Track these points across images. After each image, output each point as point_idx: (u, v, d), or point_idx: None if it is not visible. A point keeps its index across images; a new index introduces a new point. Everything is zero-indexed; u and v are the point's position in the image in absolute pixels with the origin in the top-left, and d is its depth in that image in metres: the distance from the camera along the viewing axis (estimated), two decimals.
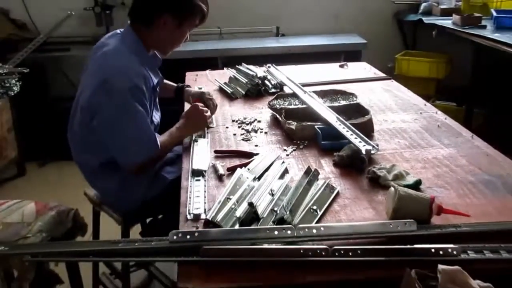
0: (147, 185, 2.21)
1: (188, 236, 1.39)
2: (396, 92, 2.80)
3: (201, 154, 2.01)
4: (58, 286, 2.11)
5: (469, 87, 4.24)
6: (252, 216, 1.52)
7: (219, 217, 1.51)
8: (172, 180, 2.20)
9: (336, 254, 1.33)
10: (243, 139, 2.19)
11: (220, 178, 1.82)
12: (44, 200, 2.10)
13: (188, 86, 2.69)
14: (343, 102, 2.44)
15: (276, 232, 1.40)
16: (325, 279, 1.29)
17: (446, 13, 4.61)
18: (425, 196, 1.51)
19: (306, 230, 1.41)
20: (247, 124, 2.35)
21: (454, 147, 2.03)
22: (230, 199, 1.61)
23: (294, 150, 2.05)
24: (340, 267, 1.32)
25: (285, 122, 2.20)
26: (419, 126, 2.27)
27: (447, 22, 4.40)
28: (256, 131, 2.27)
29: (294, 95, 2.54)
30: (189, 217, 1.56)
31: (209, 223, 1.52)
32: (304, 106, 2.37)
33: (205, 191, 1.71)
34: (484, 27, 4.11)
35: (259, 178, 1.77)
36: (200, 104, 2.32)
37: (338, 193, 1.68)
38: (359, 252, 1.34)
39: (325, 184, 1.69)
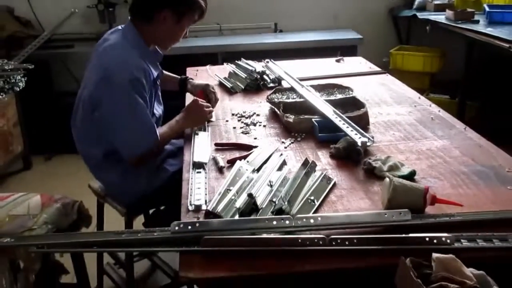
0: (149, 177, 2.24)
1: (189, 227, 1.41)
2: (391, 86, 2.83)
3: (202, 147, 2.03)
4: (63, 276, 2.13)
5: (462, 81, 4.26)
6: (251, 207, 1.53)
7: (219, 208, 1.53)
8: (174, 172, 2.22)
9: (333, 243, 1.35)
10: (242, 132, 2.22)
11: (220, 170, 1.85)
12: (50, 192, 2.12)
13: (191, 78, 2.70)
14: (339, 96, 2.46)
15: (274, 222, 1.42)
16: (323, 268, 1.31)
17: (440, 8, 4.66)
18: (419, 186, 1.53)
19: (304, 220, 1.42)
20: (246, 118, 2.38)
21: (448, 139, 2.05)
22: (230, 190, 1.63)
23: (292, 142, 2.08)
24: (337, 255, 1.33)
25: (283, 116, 2.22)
26: (413, 118, 2.29)
27: (440, 17, 4.43)
28: (255, 125, 2.30)
29: (292, 89, 2.56)
30: (190, 208, 1.58)
31: (209, 214, 1.53)
32: (301, 99, 2.39)
33: (205, 183, 1.73)
34: (477, 22, 4.14)
35: (258, 170, 1.79)
36: (201, 100, 2.36)
37: (334, 184, 1.70)
38: (355, 241, 1.35)
39: (322, 176, 1.71)
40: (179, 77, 2.70)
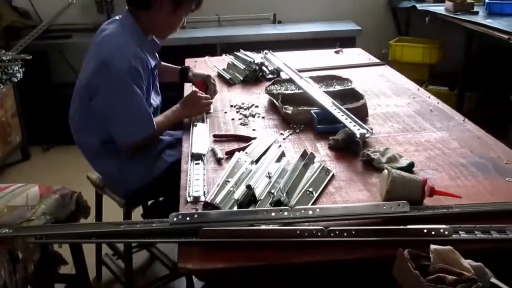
0: (147, 168, 2.24)
1: (188, 218, 1.42)
2: (390, 77, 2.83)
3: (200, 138, 2.03)
4: (62, 267, 2.14)
5: (461, 72, 4.26)
6: (250, 198, 1.54)
7: (218, 199, 1.53)
8: (172, 163, 2.22)
9: (332, 234, 1.35)
10: (241, 124, 2.22)
11: (218, 161, 1.85)
12: (48, 183, 2.12)
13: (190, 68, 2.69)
14: (338, 87, 2.46)
15: (273, 214, 1.42)
16: (321, 259, 1.32)
17: None
18: (417, 178, 1.53)
19: (302, 211, 1.43)
20: (245, 109, 2.38)
21: (446, 130, 2.05)
22: (229, 182, 1.63)
23: (290, 134, 2.08)
24: (335, 247, 1.34)
25: (282, 107, 2.22)
26: (412, 110, 2.30)
27: (439, 9, 4.42)
28: (253, 116, 2.30)
29: (290, 81, 2.56)
30: (189, 199, 1.58)
31: (208, 205, 1.54)
32: (300, 91, 2.39)
33: (204, 174, 1.74)
34: (476, 13, 4.13)
35: (257, 161, 1.79)
36: (200, 92, 2.36)
37: (333, 176, 1.70)
38: (353, 232, 1.35)
39: (321, 167, 1.71)
40: (179, 67, 2.70)
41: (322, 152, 1.90)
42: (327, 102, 2.17)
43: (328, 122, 2.06)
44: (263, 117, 2.28)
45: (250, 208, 1.51)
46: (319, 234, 1.35)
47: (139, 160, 2.22)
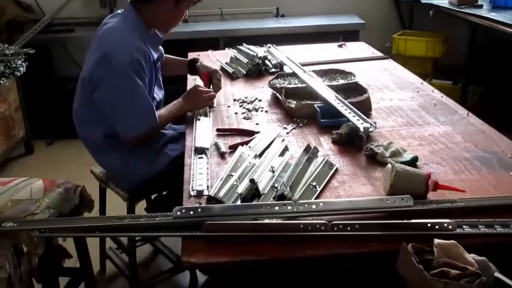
0: (150, 162, 2.25)
1: (191, 212, 1.42)
2: (393, 71, 2.82)
3: (204, 132, 2.04)
4: (66, 261, 2.14)
5: (465, 66, 4.25)
6: (253, 192, 1.54)
7: (221, 194, 1.53)
8: (176, 157, 2.23)
9: (335, 228, 1.35)
10: (244, 118, 2.22)
11: (222, 155, 1.85)
12: (52, 177, 2.12)
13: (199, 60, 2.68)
14: (341, 81, 2.46)
15: (276, 208, 1.42)
16: (324, 253, 1.31)
17: None
18: (421, 172, 1.53)
19: (306, 205, 1.43)
20: (248, 103, 2.38)
21: (450, 124, 2.05)
22: (232, 176, 1.63)
23: (294, 128, 2.08)
24: (339, 241, 1.34)
25: (285, 101, 2.22)
26: (415, 104, 2.29)
27: (443, 2, 4.40)
28: (257, 110, 2.30)
29: (294, 75, 2.56)
30: (192, 193, 1.58)
31: (211, 199, 1.54)
32: (303, 85, 2.39)
33: (207, 168, 1.74)
34: (480, 6, 4.11)
35: (260, 155, 1.79)
36: (202, 87, 2.36)
37: (336, 170, 1.70)
38: (357, 226, 1.35)
39: (324, 161, 1.71)
40: (187, 59, 2.69)
41: (325, 146, 1.90)
42: (331, 96, 2.17)
43: (331, 116, 2.06)
44: (266, 111, 2.28)
45: (254, 202, 1.51)
46: (323, 228, 1.35)
47: (142, 154, 2.23)
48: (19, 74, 3.56)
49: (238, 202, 1.51)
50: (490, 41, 4.49)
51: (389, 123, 2.09)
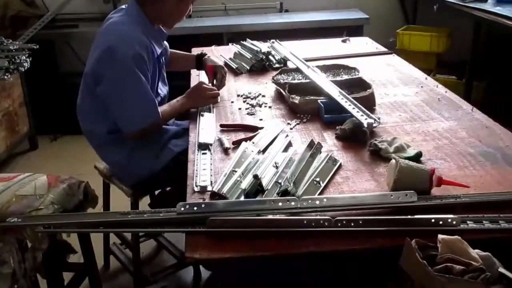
0: (154, 158, 2.25)
1: (195, 208, 1.42)
2: (397, 66, 2.81)
3: (207, 128, 2.04)
4: (71, 256, 2.15)
5: (469, 61, 4.23)
6: (257, 188, 1.54)
7: (225, 189, 1.53)
8: (179, 153, 2.23)
9: (339, 224, 1.35)
10: (248, 113, 2.21)
11: (225, 151, 1.85)
12: (56, 173, 2.13)
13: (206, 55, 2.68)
14: (345, 77, 2.45)
15: (280, 204, 1.42)
16: (328, 249, 1.31)
17: None
18: (425, 167, 1.52)
19: (310, 201, 1.43)
20: (252, 99, 2.37)
21: (454, 120, 2.04)
22: (236, 171, 1.63)
23: (297, 123, 2.07)
24: (343, 237, 1.34)
25: (289, 97, 2.22)
26: (419, 99, 2.28)
27: None
28: (260, 106, 2.29)
29: (297, 70, 2.56)
30: (196, 189, 1.58)
31: (215, 195, 1.54)
32: (307, 80, 2.39)
33: (211, 164, 1.74)
34: (485, 0, 4.08)
35: (264, 151, 1.79)
36: (206, 84, 2.36)
37: (340, 166, 1.70)
38: (361, 222, 1.35)
39: (328, 157, 1.71)
40: (195, 54, 2.69)
41: (329, 142, 1.90)
42: (334, 92, 2.17)
43: (335, 111, 2.06)
44: (270, 107, 2.28)
45: (257, 198, 1.51)
46: (326, 224, 1.35)
47: (146, 150, 2.23)
48: (23, 70, 3.56)
49: (242, 198, 1.51)
50: (495, 36, 4.47)
51: (393, 119, 2.08)
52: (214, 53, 3.13)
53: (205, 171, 1.68)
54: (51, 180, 2.04)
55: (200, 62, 2.64)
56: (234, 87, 2.56)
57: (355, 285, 1.46)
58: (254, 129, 2.02)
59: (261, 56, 2.82)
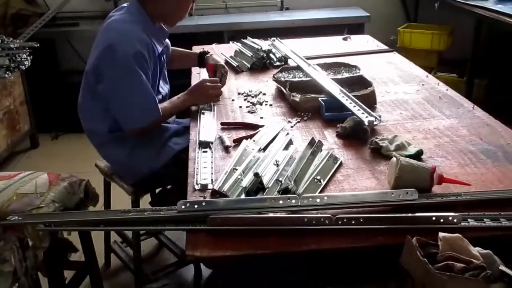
0: (155, 156, 2.25)
1: (195, 206, 1.42)
2: (398, 64, 2.81)
3: (208, 126, 2.04)
4: (72, 254, 2.15)
5: (470, 59, 4.23)
6: (257, 186, 1.54)
7: (225, 187, 1.54)
8: (180, 151, 2.23)
9: (339, 222, 1.35)
10: (248, 112, 2.21)
11: (226, 149, 1.85)
12: (57, 171, 2.13)
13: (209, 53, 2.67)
14: (346, 75, 2.45)
15: (281, 202, 1.42)
16: (329, 247, 1.31)
17: None
18: (426, 165, 1.52)
19: (310, 199, 1.43)
20: (253, 97, 2.37)
21: (455, 117, 2.04)
22: (236, 169, 1.63)
23: (298, 121, 2.07)
24: (343, 235, 1.34)
25: (290, 95, 2.22)
26: (420, 97, 2.28)
27: None
28: (261, 104, 2.29)
29: (298, 68, 2.56)
30: (196, 187, 1.58)
31: (216, 193, 1.54)
32: (308, 78, 2.38)
33: (212, 162, 1.74)
34: None
35: (264, 149, 1.79)
36: (209, 80, 2.36)
37: (341, 164, 1.70)
38: (361, 220, 1.35)
39: (329, 155, 1.71)
40: (198, 52, 2.69)
41: (330, 140, 1.90)
42: (335, 90, 2.17)
43: (336, 109, 2.06)
44: (270, 105, 2.28)
45: (258, 196, 1.51)
46: (327, 222, 1.36)
47: (146, 148, 2.24)
48: (24, 68, 3.56)
49: (243, 196, 1.51)
50: (496, 34, 4.47)
51: (394, 117, 2.08)
52: (215, 51, 3.12)
53: (206, 169, 1.68)
54: (52, 178, 2.04)
55: (203, 60, 2.64)
56: (235, 85, 2.56)
57: (355, 283, 1.46)
58: (254, 127, 2.02)
59: (261, 54, 2.81)
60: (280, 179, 1.57)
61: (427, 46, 4.62)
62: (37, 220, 1.68)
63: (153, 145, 2.26)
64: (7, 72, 3.41)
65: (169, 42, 2.53)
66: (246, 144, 1.81)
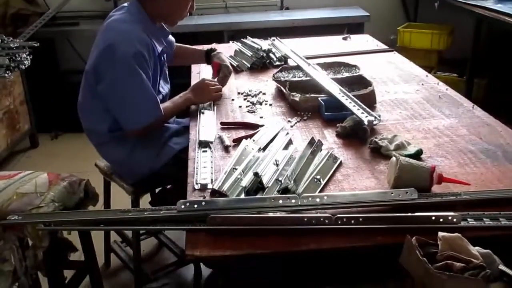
0: (155, 156, 2.25)
1: (195, 205, 1.42)
2: (398, 64, 2.81)
3: (208, 125, 2.04)
4: (72, 254, 2.15)
5: (470, 58, 4.23)
6: (257, 185, 1.54)
7: (225, 187, 1.54)
8: (180, 151, 2.23)
9: (339, 222, 1.35)
10: (248, 111, 2.21)
11: (226, 149, 1.85)
12: (56, 171, 2.13)
13: (219, 52, 2.65)
14: (346, 74, 2.45)
15: (280, 201, 1.42)
16: (328, 247, 1.31)
17: None
18: (426, 165, 1.52)
19: (310, 199, 1.43)
20: (252, 96, 2.37)
21: (455, 117, 2.04)
22: (236, 169, 1.63)
23: (298, 121, 2.07)
24: (343, 234, 1.34)
25: (289, 94, 2.22)
26: (420, 97, 2.28)
27: None
28: (261, 103, 2.29)
29: (298, 68, 2.56)
30: (196, 187, 1.58)
31: (215, 193, 1.54)
32: (308, 78, 2.38)
33: (211, 162, 1.74)
34: None
35: (264, 149, 1.79)
36: (210, 80, 2.36)
37: (341, 163, 1.70)
38: (361, 220, 1.35)
39: (328, 154, 1.71)
40: (205, 49, 2.67)
41: (329, 140, 1.90)
42: (335, 89, 2.17)
43: (335, 109, 2.06)
44: (270, 105, 2.28)
45: (258, 196, 1.51)
46: (327, 221, 1.36)
47: (146, 148, 2.24)
48: (24, 68, 3.56)
49: (242, 196, 1.51)
50: (496, 33, 4.47)
51: (394, 116, 2.08)
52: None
53: (206, 169, 1.68)
54: (52, 178, 2.04)
55: (209, 57, 2.63)
56: (235, 85, 2.56)
57: (355, 282, 1.46)
58: (254, 126, 2.02)
59: (261, 54, 2.81)
60: (280, 178, 1.57)
61: (427, 46, 4.62)
62: (37, 219, 1.69)
63: (153, 144, 2.26)
64: (7, 72, 3.41)
65: (173, 39, 2.53)
66: (246, 144, 1.81)
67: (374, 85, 2.25)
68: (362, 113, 1.95)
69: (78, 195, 2.06)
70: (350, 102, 2.04)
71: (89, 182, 2.16)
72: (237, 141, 1.88)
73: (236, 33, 4.32)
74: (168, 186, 2.55)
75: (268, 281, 1.45)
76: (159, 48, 2.27)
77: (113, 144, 2.26)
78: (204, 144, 1.87)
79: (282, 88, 2.32)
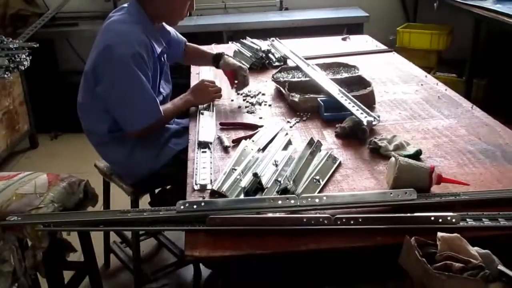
0: (154, 156, 2.25)
1: (194, 206, 1.42)
2: (397, 64, 2.81)
3: (207, 126, 2.04)
4: (71, 255, 2.15)
5: (469, 59, 4.23)
6: (256, 186, 1.54)
7: (224, 187, 1.54)
8: (179, 151, 2.23)
9: (338, 222, 1.35)
10: (247, 112, 2.22)
11: (225, 149, 1.85)
12: (56, 171, 2.13)
13: (227, 54, 2.57)
14: (345, 75, 2.45)
15: (280, 202, 1.42)
16: (328, 247, 1.32)
17: None
18: (425, 165, 1.53)
19: (309, 199, 1.43)
20: (252, 97, 2.37)
21: (454, 117, 2.05)
22: (235, 170, 1.63)
23: (297, 122, 2.08)
24: (342, 235, 1.34)
25: (289, 95, 2.22)
26: (419, 97, 2.29)
27: None
28: (260, 104, 2.29)
29: (297, 68, 2.56)
30: (195, 187, 1.58)
31: (215, 193, 1.54)
32: (307, 78, 2.38)
33: (211, 162, 1.74)
34: None
35: (263, 149, 1.79)
36: (208, 81, 2.35)
37: (340, 164, 1.70)
38: (360, 220, 1.35)
39: (328, 155, 1.71)
40: (213, 53, 2.61)
41: (329, 140, 1.90)
42: (334, 90, 2.17)
43: (335, 109, 2.06)
44: (269, 105, 2.28)
45: (257, 196, 1.51)
46: (326, 222, 1.36)
47: (146, 149, 2.24)
48: (23, 68, 3.56)
49: (242, 196, 1.51)
50: (495, 34, 4.47)
51: (393, 117, 2.08)
52: (214, 52, 3.12)
53: (205, 170, 1.68)
54: (51, 178, 2.04)
55: (217, 62, 2.53)
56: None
57: (354, 283, 1.46)
58: (254, 127, 2.02)
59: (261, 54, 2.82)
60: (279, 179, 1.57)
61: (426, 46, 4.62)
62: (36, 220, 1.69)
63: (152, 145, 2.26)
64: (7, 72, 3.40)
65: (184, 39, 2.55)
66: (245, 144, 1.81)
67: (373, 86, 2.25)
68: (361, 113, 1.95)
69: (77, 196, 2.06)
70: (349, 103, 2.04)
71: (89, 183, 2.16)
72: (237, 142, 1.88)
73: (235, 34, 4.33)
74: (168, 187, 2.54)
75: (268, 282, 1.45)
76: (159, 49, 2.27)
77: (113, 145, 2.25)
78: (204, 145, 1.87)
79: (282, 89, 2.33)
